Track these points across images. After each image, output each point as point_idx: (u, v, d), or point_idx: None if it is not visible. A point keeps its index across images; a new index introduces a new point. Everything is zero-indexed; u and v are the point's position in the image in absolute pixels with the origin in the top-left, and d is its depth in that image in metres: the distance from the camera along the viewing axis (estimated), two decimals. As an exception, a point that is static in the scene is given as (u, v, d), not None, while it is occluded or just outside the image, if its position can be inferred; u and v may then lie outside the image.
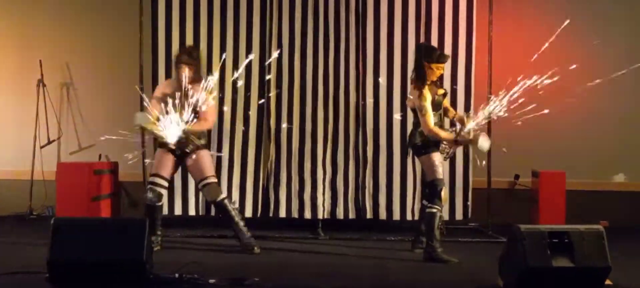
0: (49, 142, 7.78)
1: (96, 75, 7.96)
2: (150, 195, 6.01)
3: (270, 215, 7.10)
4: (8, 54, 8.02)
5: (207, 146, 6.21)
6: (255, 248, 5.96)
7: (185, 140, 5.90)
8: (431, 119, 5.72)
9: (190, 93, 5.86)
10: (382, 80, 7.09)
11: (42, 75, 7.73)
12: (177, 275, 4.66)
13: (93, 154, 7.75)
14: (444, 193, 5.93)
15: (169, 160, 6.05)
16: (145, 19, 7.08)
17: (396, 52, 7.12)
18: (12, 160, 7.96)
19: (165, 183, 6.07)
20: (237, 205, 6.33)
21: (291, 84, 7.12)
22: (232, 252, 5.96)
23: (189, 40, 7.05)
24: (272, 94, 7.08)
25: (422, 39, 7.03)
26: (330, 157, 7.14)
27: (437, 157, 5.85)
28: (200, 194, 7.10)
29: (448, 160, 6.05)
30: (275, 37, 7.11)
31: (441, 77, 6.15)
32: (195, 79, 5.97)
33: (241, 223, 6.05)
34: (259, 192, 7.13)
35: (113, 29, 7.92)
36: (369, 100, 7.12)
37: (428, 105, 5.72)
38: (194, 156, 5.99)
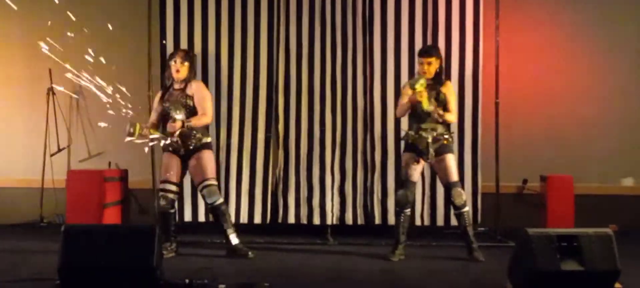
0: (59, 150, 7.81)
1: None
2: (162, 202, 6.04)
3: (279, 221, 7.12)
4: (18, 63, 8.06)
5: (211, 147, 6.21)
6: (250, 252, 5.99)
7: (188, 134, 5.92)
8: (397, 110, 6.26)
9: (186, 89, 6.00)
10: (390, 84, 7.10)
11: (52, 83, 7.77)
12: (187, 280, 4.67)
13: (103, 162, 7.79)
14: (401, 194, 6.06)
15: (175, 162, 6.05)
16: (154, 26, 7.12)
17: (403, 57, 7.13)
18: (22, 168, 8.00)
19: (175, 188, 6.09)
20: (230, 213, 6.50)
21: (299, 90, 7.15)
22: (242, 258, 5.97)
23: (197, 47, 7.10)
24: (280, 100, 7.11)
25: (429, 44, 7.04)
26: (338, 162, 7.16)
27: (404, 157, 6.15)
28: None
29: (426, 160, 6.05)
30: (282, 43, 7.14)
31: (438, 77, 6.11)
32: (189, 77, 6.09)
33: (232, 229, 6.07)
34: (268, 198, 7.15)
35: (121, 36, 7.95)
36: (377, 105, 7.14)
37: (402, 96, 6.12)
38: (197, 155, 6.00)
